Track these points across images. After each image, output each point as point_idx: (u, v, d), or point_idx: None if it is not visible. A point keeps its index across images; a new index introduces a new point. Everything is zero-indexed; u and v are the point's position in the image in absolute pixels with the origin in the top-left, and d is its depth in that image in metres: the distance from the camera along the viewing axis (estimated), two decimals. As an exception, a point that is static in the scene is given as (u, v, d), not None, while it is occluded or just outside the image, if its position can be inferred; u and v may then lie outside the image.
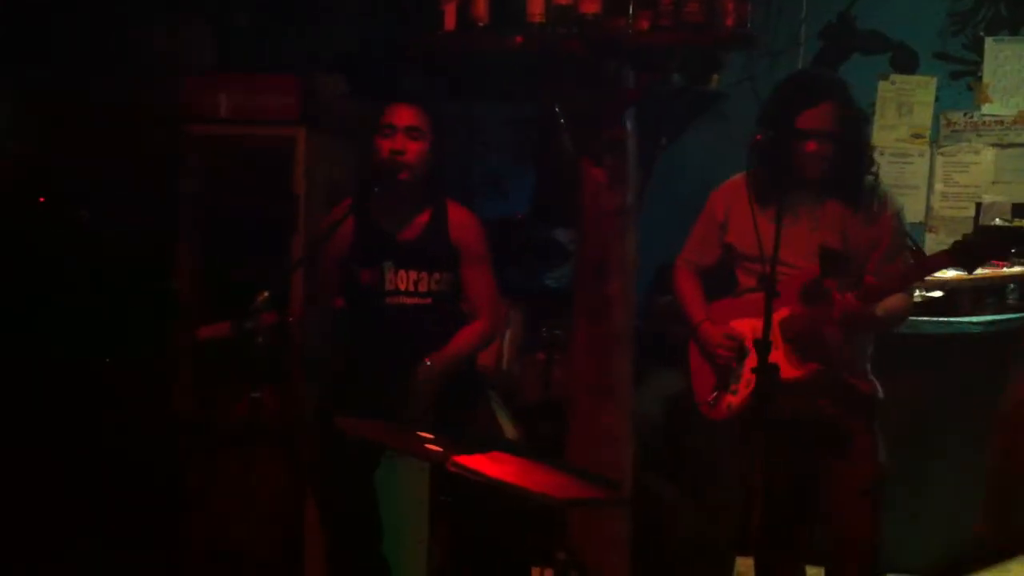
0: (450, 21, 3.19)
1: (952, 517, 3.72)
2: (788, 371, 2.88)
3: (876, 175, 2.99)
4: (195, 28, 4.26)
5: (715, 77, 4.22)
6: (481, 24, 3.16)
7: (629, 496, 3.20)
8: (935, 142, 4.34)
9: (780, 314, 2.90)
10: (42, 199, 3.61)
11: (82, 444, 3.74)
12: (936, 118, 4.33)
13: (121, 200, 3.90)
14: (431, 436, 2.19)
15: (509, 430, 3.54)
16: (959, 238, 2.80)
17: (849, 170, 2.93)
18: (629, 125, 3.31)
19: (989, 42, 4.27)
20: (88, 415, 3.77)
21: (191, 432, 3.84)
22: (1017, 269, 3.77)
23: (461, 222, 3.19)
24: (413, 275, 3.14)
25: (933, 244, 4.17)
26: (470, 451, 2.13)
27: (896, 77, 4.34)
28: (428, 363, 3.09)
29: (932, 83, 4.31)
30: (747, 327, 2.96)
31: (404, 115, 3.09)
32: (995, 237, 2.79)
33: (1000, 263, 3.75)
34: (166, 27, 4.20)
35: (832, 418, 2.95)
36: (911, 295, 3.10)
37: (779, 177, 2.84)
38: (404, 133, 3.08)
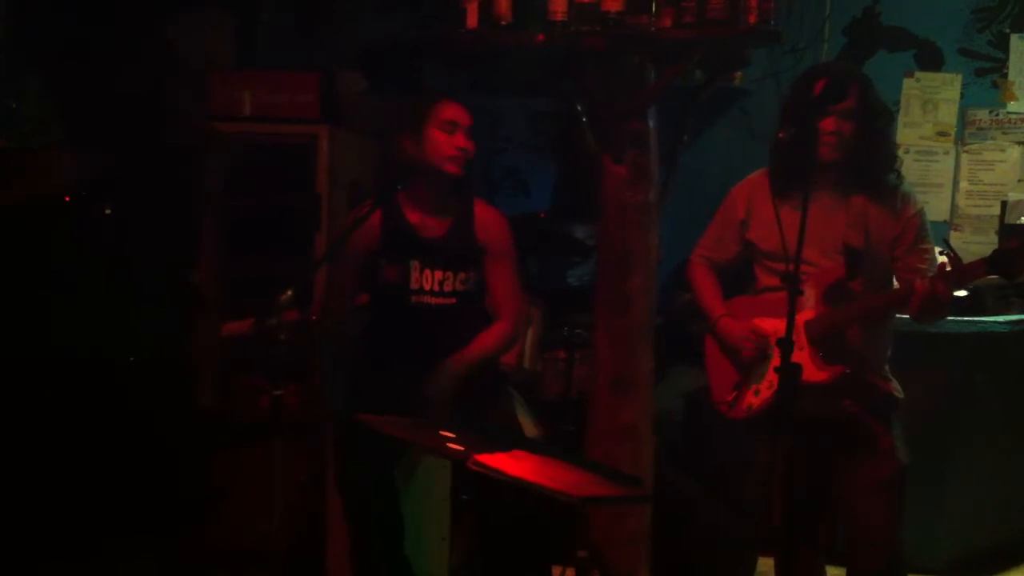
0: (472, 19, 3.20)
1: (976, 517, 3.70)
2: (814, 374, 2.86)
3: (899, 173, 2.97)
4: (218, 25, 4.29)
5: (739, 74, 4.22)
6: (503, 23, 3.16)
7: (650, 493, 3.19)
8: (960, 140, 4.30)
9: (805, 315, 2.88)
10: (67, 198, 3.64)
11: (103, 440, 3.77)
12: (961, 116, 4.30)
13: (145, 196, 3.93)
14: (452, 435, 2.20)
15: (530, 428, 3.55)
16: (996, 243, 2.77)
17: (872, 165, 2.92)
18: (651, 121, 3.31)
19: (1014, 39, 4.23)
20: (111, 411, 3.80)
21: (213, 428, 3.86)
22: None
23: (487, 220, 3.19)
24: (439, 274, 3.14)
25: (958, 243, 4.13)
26: (491, 449, 2.13)
27: (921, 74, 4.31)
28: (449, 365, 3.09)
29: (957, 80, 4.28)
30: (771, 327, 2.94)
31: (463, 113, 3.11)
32: None
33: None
34: (190, 24, 4.23)
35: (853, 417, 2.94)
36: None
37: (802, 172, 2.82)
38: (464, 131, 3.09)
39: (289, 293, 2.70)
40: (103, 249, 3.90)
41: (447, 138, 3.08)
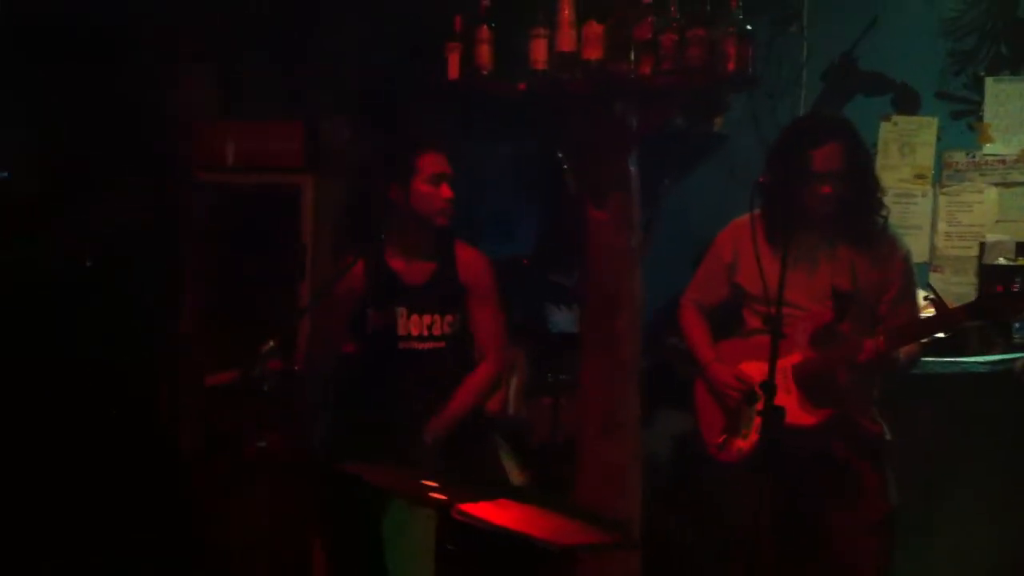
0: (453, 70, 3.23)
1: (959, 556, 3.69)
2: (802, 417, 2.88)
3: (886, 218, 3.00)
4: (202, 75, 4.32)
5: (718, 120, 4.27)
6: (484, 72, 3.19)
7: (638, 537, 3.18)
8: (938, 182, 4.35)
9: (792, 359, 2.90)
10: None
11: (88, 487, 3.74)
12: (938, 158, 4.34)
13: (131, 246, 3.93)
14: (436, 484, 2.19)
15: (516, 476, 3.53)
16: (976, 284, 2.79)
17: (859, 212, 2.95)
18: (633, 166, 3.34)
19: (989, 82, 4.29)
20: (95, 458, 3.78)
21: (199, 477, 3.84)
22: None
23: (469, 261, 3.22)
24: (427, 319, 3.16)
25: (938, 284, 4.15)
26: (475, 499, 2.13)
27: (898, 118, 4.35)
28: (432, 429, 3.09)
29: (934, 123, 4.32)
30: (757, 370, 2.94)
31: (445, 163, 3.15)
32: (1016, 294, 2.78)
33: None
34: (174, 75, 4.25)
35: (843, 460, 2.95)
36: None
37: (788, 218, 2.85)
38: (448, 181, 3.14)
39: (272, 344, 2.70)
40: (87, 296, 3.90)
41: (434, 191, 3.12)
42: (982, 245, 4.07)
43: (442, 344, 3.17)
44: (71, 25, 4.01)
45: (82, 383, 3.80)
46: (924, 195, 4.34)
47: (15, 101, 4.07)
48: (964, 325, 2.95)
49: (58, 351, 3.79)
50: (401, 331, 3.15)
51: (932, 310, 2.84)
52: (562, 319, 4.25)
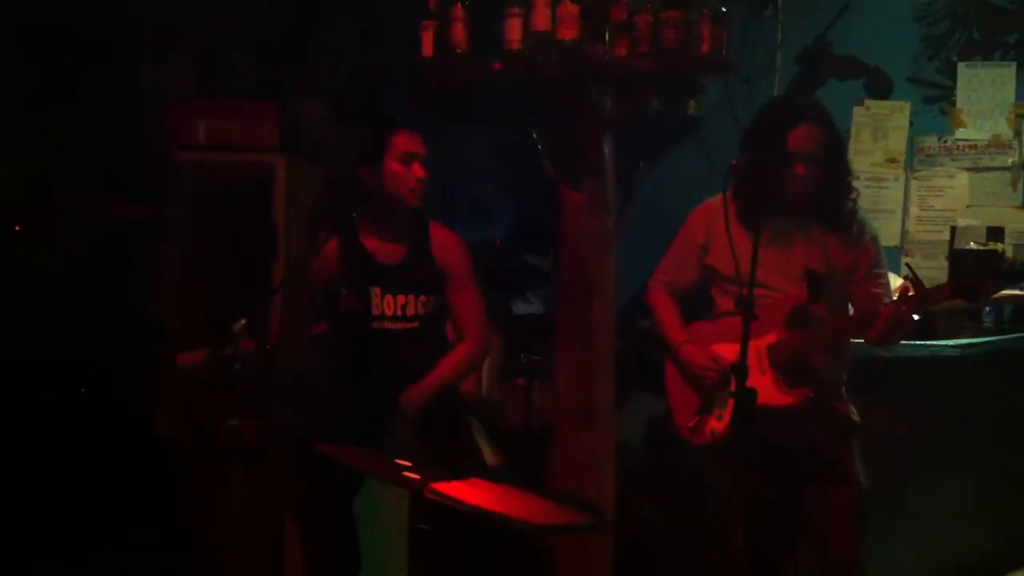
0: (427, 47, 3.21)
1: (930, 541, 3.72)
2: (778, 397, 2.89)
3: (855, 201, 3.02)
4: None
5: (692, 102, 4.27)
6: (459, 50, 3.18)
7: (611, 521, 3.19)
8: (910, 166, 4.38)
9: (767, 339, 2.91)
10: (17, 227, 3.60)
11: (64, 475, 3.71)
12: (910, 143, 4.37)
13: (107, 224, 3.90)
14: (409, 463, 2.19)
15: (489, 456, 3.53)
16: (946, 268, 2.82)
17: (832, 194, 2.96)
18: (607, 150, 3.33)
19: (962, 67, 4.32)
20: (70, 444, 3.75)
21: (173, 459, 3.82)
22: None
23: (444, 243, 3.21)
24: (401, 299, 3.15)
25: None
26: (448, 478, 2.12)
27: (871, 102, 4.39)
28: (409, 396, 3.09)
29: (906, 108, 4.36)
30: (730, 352, 2.95)
31: (418, 143, 3.15)
32: (998, 272, 2.80)
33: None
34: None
35: (820, 442, 2.96)
36: None
37: (762, 200, 2.86)
38: (420, 161, 3.12)
39: (243, 322, 2.68)
40: (63, 277, 3.86)
41: (405, 170, 3.11)
42: (953, 229, 4.10)
43: (415, 325, 3.16)
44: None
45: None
46: (896, 179, 4.37)
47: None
48: (937, 304, 2.97)
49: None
50: (375, 311, 3.14)
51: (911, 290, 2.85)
52: (536, 300, 4.25)
